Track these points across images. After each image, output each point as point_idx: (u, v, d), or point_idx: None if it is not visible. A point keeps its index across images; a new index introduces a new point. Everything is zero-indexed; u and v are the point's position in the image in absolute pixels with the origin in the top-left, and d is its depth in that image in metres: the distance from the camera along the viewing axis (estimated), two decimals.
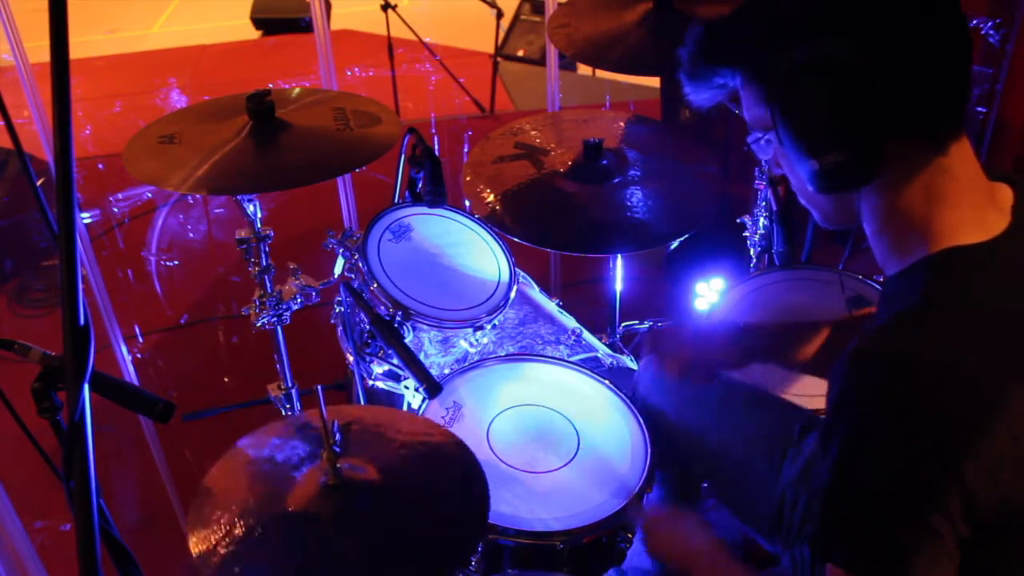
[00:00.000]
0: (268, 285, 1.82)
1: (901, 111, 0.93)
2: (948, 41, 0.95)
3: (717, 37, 1.08)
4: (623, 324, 2.31)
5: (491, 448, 1.55)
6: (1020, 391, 0.87)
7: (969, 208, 0.97)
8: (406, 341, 1.63)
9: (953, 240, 0.95)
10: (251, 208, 1.73)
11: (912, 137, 0.96)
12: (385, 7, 3.91)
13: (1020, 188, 1.01)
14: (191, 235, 3.52)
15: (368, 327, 1.64)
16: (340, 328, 1.87)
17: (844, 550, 0.89)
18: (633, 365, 1.91)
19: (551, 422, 1.61)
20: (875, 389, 0.88)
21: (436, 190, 1.83)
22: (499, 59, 4.53)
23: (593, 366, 1.77)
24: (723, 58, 1.07)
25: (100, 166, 3.97)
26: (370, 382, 1.79)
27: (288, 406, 2.02)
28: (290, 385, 1.99)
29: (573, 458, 1.53)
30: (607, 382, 1.69)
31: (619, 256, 2.14)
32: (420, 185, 1.91)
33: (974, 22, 2.40)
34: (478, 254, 1.89)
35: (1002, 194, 1.01)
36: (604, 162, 1.93)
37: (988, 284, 0.93)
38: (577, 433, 1.58)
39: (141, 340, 2.96)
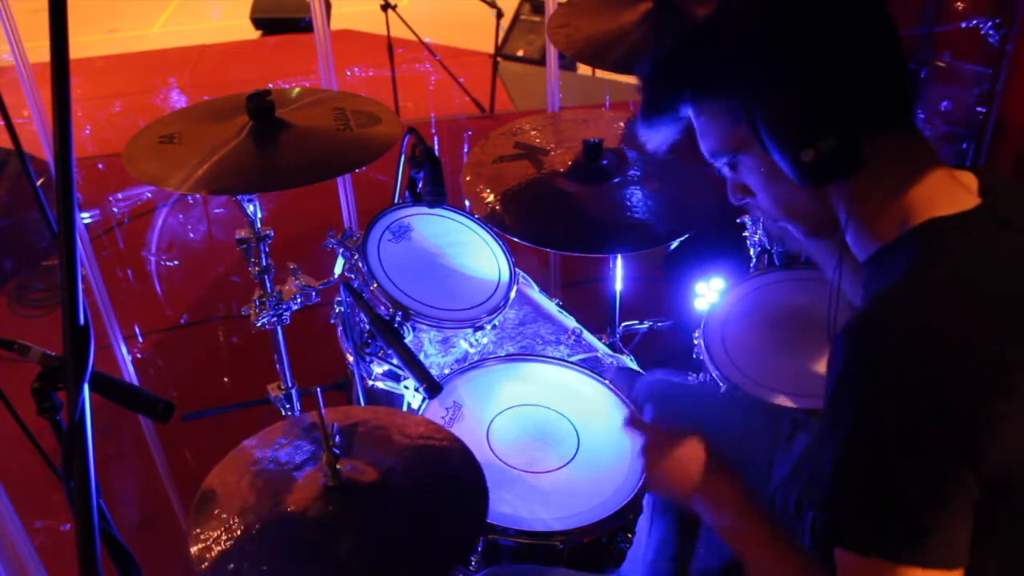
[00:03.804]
0: (268, 285, 1.82)
1: (878, 91, 0.98)
2: (890, 25, 1.00)
3: (682, 61, 1.09)
4: (623, 324, 2.31)
5: (491, 448, 1.55)
6: (1018, 353, 0.87)
7: (940, 184, 1.00)
8: (406, 341, 1.63)
9: (932, 212, 0.97)
10: (251, 208, 1.73)
11: (888, 118, 0.99)
12: (385, 7, 3.91)
13: (983, 174, 1.04)
14: (191, 235, 3.52)
15: (368, 327, 1.64)
16: (340, 328, 1.87)
17: (858, 529, 0.88)
18: (633, 365, 1.91)
19: (551, 422, 1.61)
20: (880, 356, 0.88)
21: (436, 190, 1.83)
22: (499, 59, 4.52)
23: (593, 366, 1.77)
24: (691, 82, 1.07)
25: (100, 166, 3.97)
26: (370, 382, 1.79)
27: (288, 406, 2.02)
28: (290, 385, 2.00)
29: (573, 458, 1.53)
30: (607, 382, 1.69)
31: (619, 256, 2.14)
32: (420, 185, 1.91)
33: (974, 22, 2.40)
34: (478, 254, 1.89)
35: (966, 178, 1.03)
36: (604, 162, 1.93)
37: (971, 251, 0.95)
38: (577, 433, 1.58)
39: (141, 340, 2.96)
